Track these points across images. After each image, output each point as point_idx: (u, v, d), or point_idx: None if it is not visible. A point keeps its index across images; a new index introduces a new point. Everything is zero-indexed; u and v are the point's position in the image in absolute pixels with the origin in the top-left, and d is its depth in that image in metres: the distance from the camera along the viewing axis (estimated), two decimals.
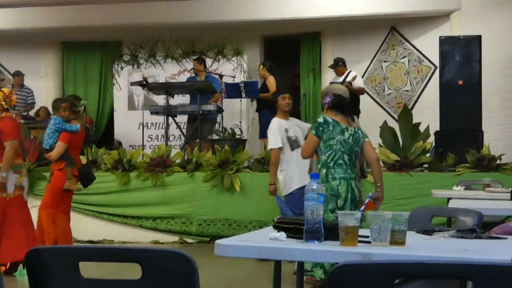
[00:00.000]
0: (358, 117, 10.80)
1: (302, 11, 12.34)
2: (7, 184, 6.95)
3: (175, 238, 9.63)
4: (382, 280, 1.92)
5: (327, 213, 5.54)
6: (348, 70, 11.05)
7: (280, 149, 7.35)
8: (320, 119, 5.78)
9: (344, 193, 5.69)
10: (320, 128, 5.74)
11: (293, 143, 7.37)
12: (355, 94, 10.35)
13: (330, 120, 5.76)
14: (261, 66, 11.58)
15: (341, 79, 10.88)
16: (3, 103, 7.03)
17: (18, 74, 12.76)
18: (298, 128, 7.54)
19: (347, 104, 5.88)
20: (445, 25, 11.95)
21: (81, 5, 12.61)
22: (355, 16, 12.35)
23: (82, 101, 8.66)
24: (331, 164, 5.72)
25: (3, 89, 7.29)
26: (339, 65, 11.06)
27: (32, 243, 7.00)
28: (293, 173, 7.27)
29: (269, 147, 7.57)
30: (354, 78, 10.70)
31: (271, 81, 11.22)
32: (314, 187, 2.86)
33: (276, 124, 7.45)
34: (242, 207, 9.33)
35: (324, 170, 5.73)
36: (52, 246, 6.58)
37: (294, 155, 7.26)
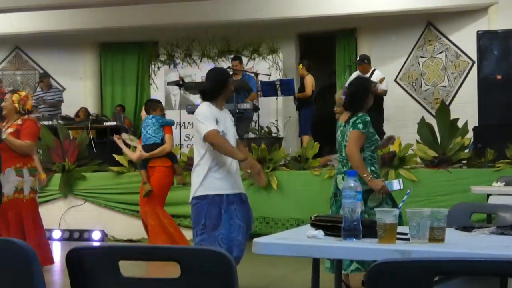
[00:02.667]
0: (382, 118, 10.74)
1: (339, 8, 12.28)
2: (24, 186, 6.87)
3: None
4: (421, 278, 1.90)
5: None
6: (373, 68, 10.96)
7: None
8: None
9: (332, 190, 5.64)
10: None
11: None
12: (379, 96, 10.27)
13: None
14: (301, 65, 11.63)
15: None
16: (16, 105, 6.92)
17: (45, 76, 12.91)
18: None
19: (358, 99, 5.52)
20: (483, 19, 11.78)
21: (118, 6, 12.70)
22: (391, 12, 12.26)
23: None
24: None
25: (20, 91, 7.20)
26: (364, 62, 10.93)
27: (43, 246, 7.04)
28: None
29: None
30: (382, 80, 10.57)
31: (309, 81, 11.26)
32: (352, 184, 2.84)
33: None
34: (280, 205, 9.33)
35: None
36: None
37: None
